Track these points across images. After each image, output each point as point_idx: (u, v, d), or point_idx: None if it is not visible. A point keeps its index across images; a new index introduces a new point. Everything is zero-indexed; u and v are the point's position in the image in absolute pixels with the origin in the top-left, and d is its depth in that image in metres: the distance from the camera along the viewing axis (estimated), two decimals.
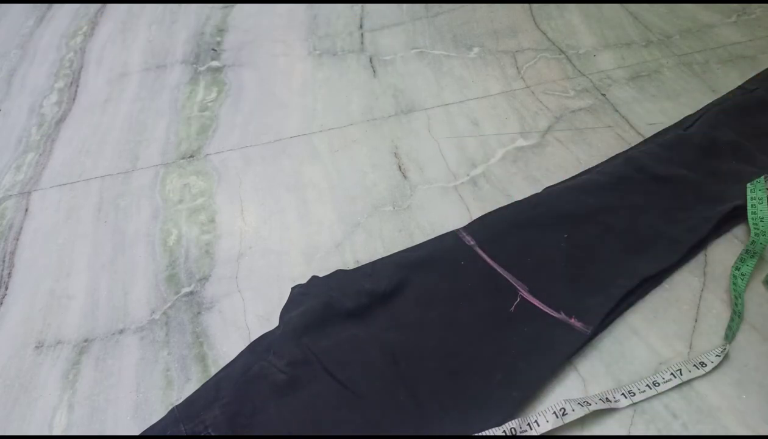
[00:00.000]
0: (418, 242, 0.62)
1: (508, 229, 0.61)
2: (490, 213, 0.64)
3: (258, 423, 0.46)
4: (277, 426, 0.46)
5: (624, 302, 0.55)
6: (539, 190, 0.66)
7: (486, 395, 0.48)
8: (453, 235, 0.61)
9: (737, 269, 0.56)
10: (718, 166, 0.66)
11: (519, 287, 0.56)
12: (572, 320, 0.52)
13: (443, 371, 0.50)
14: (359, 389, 0.48)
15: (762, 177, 0.58)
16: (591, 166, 0.69)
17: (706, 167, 0.66)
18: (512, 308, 0.54)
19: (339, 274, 0.58)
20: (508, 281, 0.56)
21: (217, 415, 0.47)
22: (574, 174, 0.69)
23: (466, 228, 0.62)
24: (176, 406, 0.48)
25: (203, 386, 0.50)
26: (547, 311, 0.54)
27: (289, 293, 0.57)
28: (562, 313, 0.53)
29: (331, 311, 0.53)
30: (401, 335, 0.52)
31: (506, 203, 0.65)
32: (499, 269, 0.57)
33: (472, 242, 0.60)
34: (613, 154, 0.71)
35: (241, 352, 0.52)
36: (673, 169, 0.66)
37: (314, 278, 0.58)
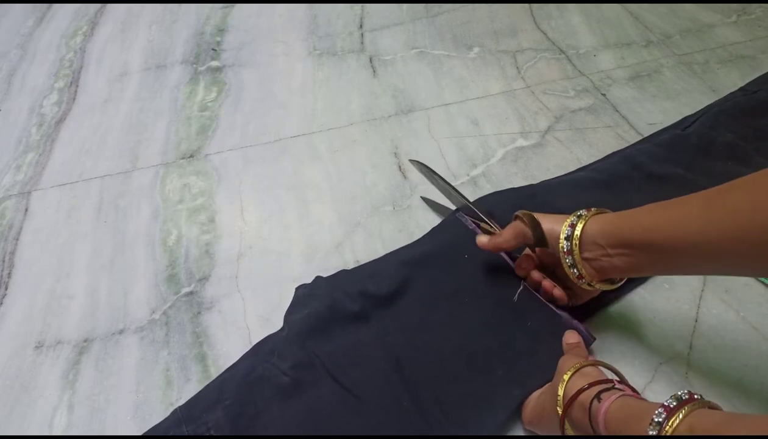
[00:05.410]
0: None
1: (509, 211, 0.61)
2: (492, 194, 0.65)
3: (260, 425, 0.46)
4: (279, 429, 0.46)
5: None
6: None
7: (488, 397, 0.48)
8: (455, 219, 0.61)
9: None
10: (714, 167, 0.67)
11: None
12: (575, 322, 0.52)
13: (446, 374, 0.49)
14: (362, 394, 0.48)
15: None
16: None
17: (702, 167, 0.66)
18: (515, 298, 0.54)
19: (342, 274, 0.58)
20: (511, 265, 0.56)
21: (220, 417, 0.46)
22: None
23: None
24: (179, 407, 0.48)
25: (206, 387, 0.50)
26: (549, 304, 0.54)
27: (290, 294, 0.57)
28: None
29: (335, 314, 0.53)
30: (405, 338, 0.52)
31: None
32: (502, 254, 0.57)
33: (473, 226, 0.60)
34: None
35: (245, 354, 0.52)
36: (669, 168, 0.66)
37: (318, 279, 0.58)
